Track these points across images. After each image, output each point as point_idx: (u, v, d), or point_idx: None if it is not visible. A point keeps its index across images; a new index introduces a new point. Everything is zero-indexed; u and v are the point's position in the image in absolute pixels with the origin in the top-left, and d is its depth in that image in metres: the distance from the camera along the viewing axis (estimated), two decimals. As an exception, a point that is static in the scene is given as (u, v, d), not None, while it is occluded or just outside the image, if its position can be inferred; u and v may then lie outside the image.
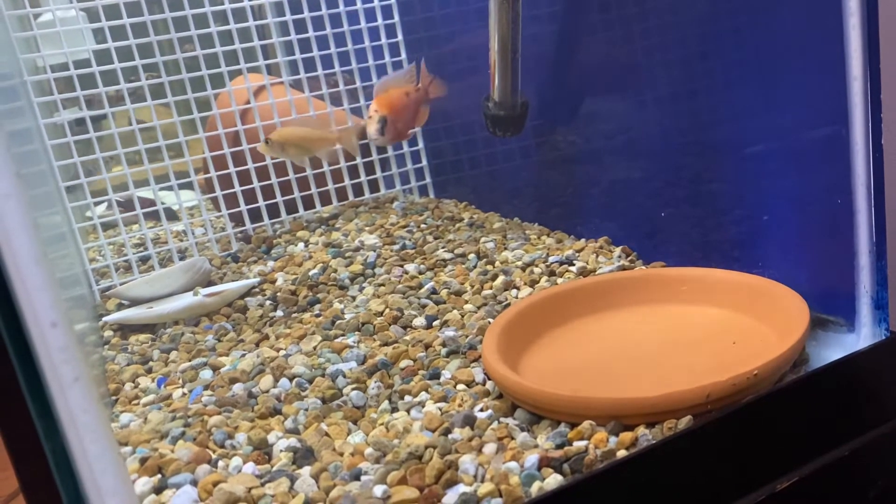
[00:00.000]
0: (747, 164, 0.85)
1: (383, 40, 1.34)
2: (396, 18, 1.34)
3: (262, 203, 1.29)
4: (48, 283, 0.45)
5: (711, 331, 0.78)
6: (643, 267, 0.95)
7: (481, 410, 0.70)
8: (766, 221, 0.84)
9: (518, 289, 0.94)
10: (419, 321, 0.91)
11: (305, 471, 0.65)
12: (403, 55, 1.35)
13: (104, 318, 1.04)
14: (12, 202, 0.43)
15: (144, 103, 1.24)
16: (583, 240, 1.06)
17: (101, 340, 1.02)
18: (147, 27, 1.20)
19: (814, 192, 0.78)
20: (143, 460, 0.67)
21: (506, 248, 1.06)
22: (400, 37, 1.34)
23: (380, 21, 1.33)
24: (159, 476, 0.65)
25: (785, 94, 0.79)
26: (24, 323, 0.45)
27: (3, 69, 0.97)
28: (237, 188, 1.26)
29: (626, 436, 0.64)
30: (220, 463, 0.67)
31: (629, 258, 0.98)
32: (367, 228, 1.25)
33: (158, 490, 0.64)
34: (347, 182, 1.35)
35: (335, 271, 1.10)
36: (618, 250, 0.99)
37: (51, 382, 0.46)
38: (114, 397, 0.85)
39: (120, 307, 1.11)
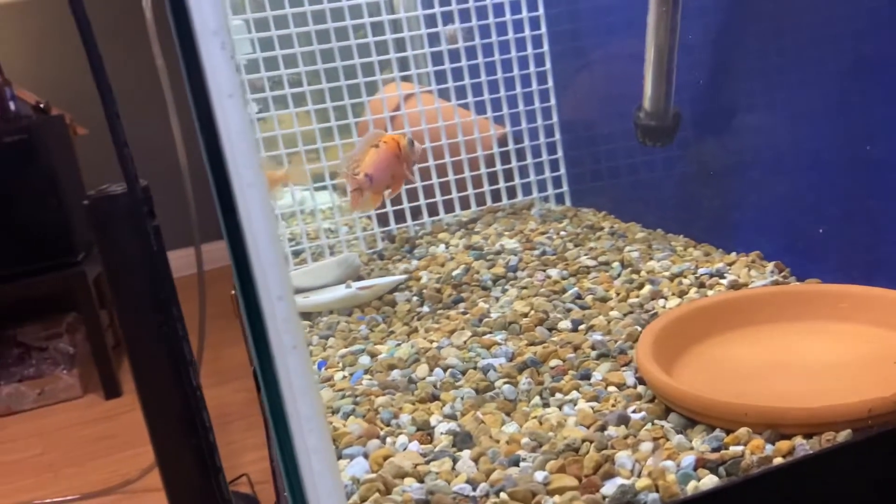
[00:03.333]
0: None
1: (529, 50, 1.38)
2: (544, 30, 1.37)
3: (406, 205, 1.35)
4: (278, 261, 0.51)
5: (872, 349, 0.77)
6: (798, 283, 0.95)
7: (634, 412, 0.73)
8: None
9: (666, 299, 0.95)
10: (565, 324, 0.94)
11: (465, 454, 0.70)
12: (548, 65, 1.38)
13: (266, 304, 1.13)
14: (255, 190, 0.49)
15: (304, 108, 1.33)
16: (733, 254, 1.06)
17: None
18: (311, 36, 1.29)
19: None
20: (319, 432, 0.73)
21: (651, 258, 1.08)
22: (546, 47, 1.38)
23: (527, 32, 1.37)
24: (334, 447, 0.71)
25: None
26: (257, 294, 0.51)
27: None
28: (385, 190, 1.33)
29: (784, 444, 0.65)
30: (388, 439, 0.72)
31: (782, 274, 0.97)
32: (506, 233, 1.29)
33: (334, 459, 0.70)
34: (486, 188, 1.40)
35: (478, 272, 1.14)
36: (770, 265, 0.99)
37: (275, 347, 0.52)
38: (281, 376, 0.93)
39: (278, 295, 1.19)
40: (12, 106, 2.76)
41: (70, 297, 2.78)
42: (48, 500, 1.81)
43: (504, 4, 1.35)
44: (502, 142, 1.40)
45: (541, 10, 1.36)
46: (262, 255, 0.50)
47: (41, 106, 2.78)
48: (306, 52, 1.30)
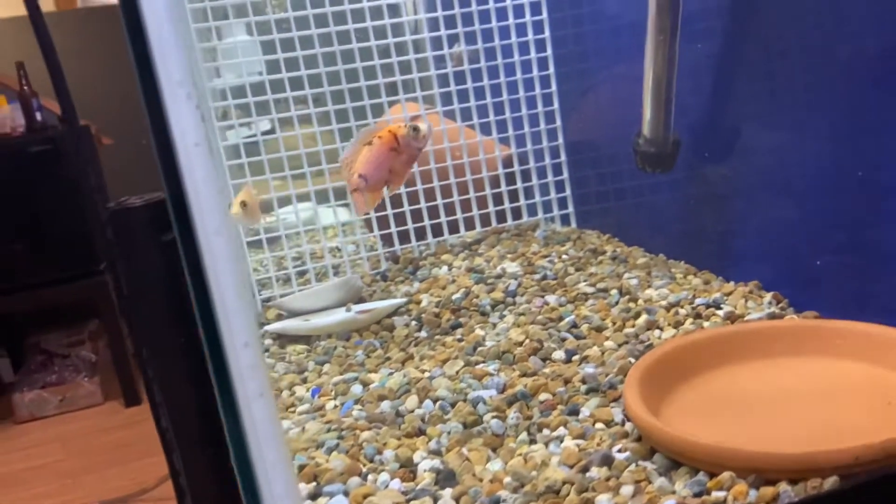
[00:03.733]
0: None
1: (535, 72, 1.37)
2: (549, 52, 1.37)
3: (410, 225, 1.35)
4: (244, 308, 0.51)
5: (866, 389, 0.75)
6: (794, 316, 0.93)
7: (619, 451, 0.72)
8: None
9: (661, 329, 0.94)
10: (559, 354, 0.93)
11: (447, 492, 0.69)
12: (554, 87, 1.38)
13: (265, 328, 1.14)
14: (222, 239, 0.49)
15: (311, 129, 1.33)
16: (732, 283, 1.04)
17: (261, 348, 1.12)
18: (317, 59, 1.30)
19: None
20: (301, 467, 0.73)
21: (650, 286, 1.07)
22: (552, 69, 1.37)
23: (532, 53, 1.36)
24: (315, 483, 0.71)
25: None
26: (221, 341, 0.51)
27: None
28: (389, 210, 1.34)
29: (768, 490, 0.63)
30: (370, 476, 0.72)
31: (780, 305, 0.95)
32: (508, 256, 1.28)
33: (314, 496, 0.70)
34: (491, 209, 1.39)
35: (477, 297, 1.14)
36: (768, 296, 0.97)
37: (239, 394, 0.52)
38: (274, 403, 0.93)
39: (279, 317, 1.20)
40: (39, 116, 2.82)
41: (92, 305, 2.83)
42: (66, 508, 1.83)
43: (510, 27, 1.35)
44: (507, 163, 1.40)
45: (546, 33, 1.36)
46: (227, 303, 0.51)
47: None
48: (312, 75, 1.30)
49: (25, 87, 2.75)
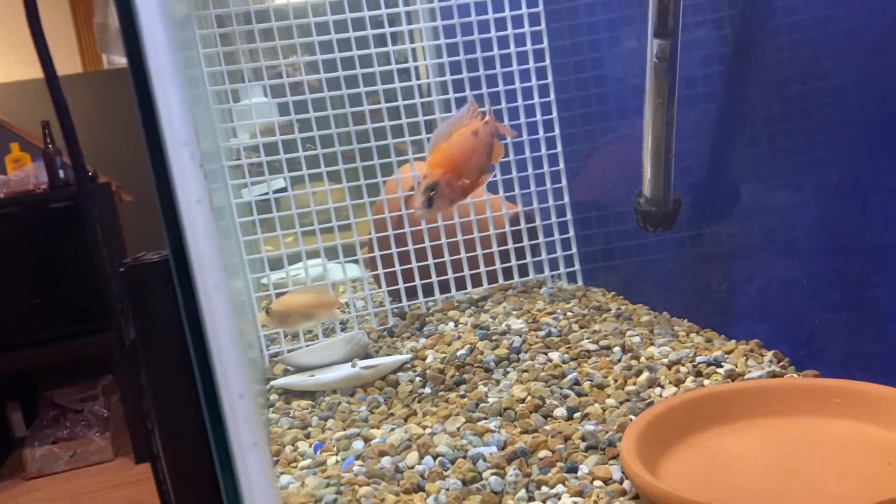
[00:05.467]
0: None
1: (541, 134, 1.40)
2: (555, 114, 1.40)
3: (418, 282, 1.37)
4: (240, 360, 0.52)
5: (864, 449, 0.74)
6: (794, 375, 0.93)
7: (617, 509, 0.71)
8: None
9: (662, 387, 0.94)
10: (560, 411, 0.93)
11: (443, 549, 0.69)
12: (559, 147, 1.41)
13: (272, 383, 1.15)
14: (220, 292, 0.51)
15: (322, 187, 1.37)
16: (733, 341, 1.04)
17: (267, 403, 1.12)
18: (329, 120, 1.34)
19: None
20: (298, 521, 0.73)
21: (652, 344, 1.07)
22: (557, 131, 1.40)
23: (538, 116, 1.40)
24: (309, 539, 0.71)
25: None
26: (217, 392, 0.52)
27: (211, 155, 1.12)
28: (397, 267, 1.36)
29: (766, 553, 0.63)
30: (366, 532, 0.72)
31: (780, 364, 0.95)
32: (514, 312, 1.29)
33: (310, 551, 0.70)
34: (498, 265, 1.41)
35: (482, 353, 1.15)
36: (769, 354, 0.97)
37: (234, 445, 0.53)
38: (275, 458, 0.94)
39: (286, 372, 1.21)
40: (62, 174, 2.89)
41: (106, 360, 2.85)
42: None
43: (516, 90, 1.39)
44: (514, 221, 1.42)
45: (552, 96, 1.39)
46: (223, 355, 0.52)
47: (89, 173, 2.91)
48: (324, 135, 1.34)
49: (50, 146, 2.83)
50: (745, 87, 1.06)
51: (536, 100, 1.40)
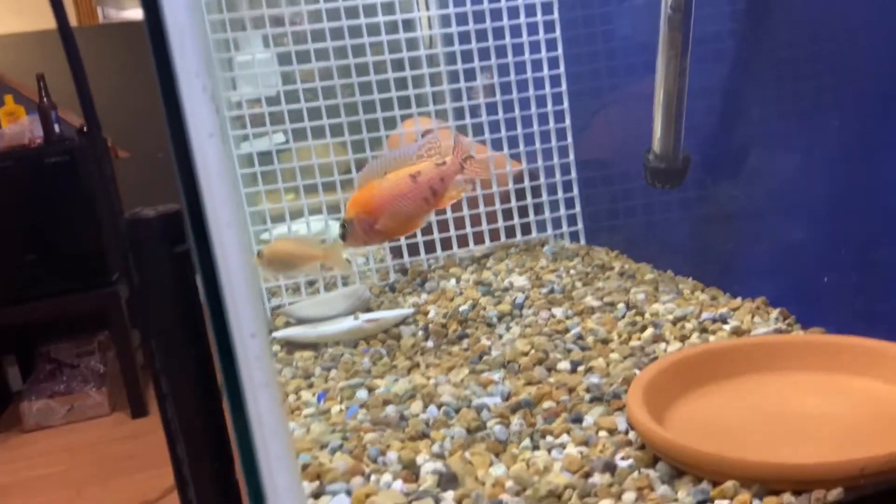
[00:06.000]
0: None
1: (547, 90, 1.38)
2: (562, 69, 1.38)
3: (419, 238, 1.36)
4: (252, 298, 0.52)
5: (871, 404, 0.74)
6: (801, 332, 0.93)
7: (622, 459, 0.72)
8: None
9: (667, 343, 0.94)
10: (563, 365, 0.93)
11: (449, 495, 0.69)
12: (566, 104, 1.39)
13: (274, 334, 1.14)
14: (233, 230, 0.50)
15: (322, 140, 1.35)
16: (739, 298, 1.04)
17: (269, 340, 1.12)
18: (332, 71, 1.32)
19: None
20: (304, 466, 0.73)
21: (657, 301, 1.07)
22: (564, 87, 1.39)
23: (545, 71, 1.38)
24: (318, 482, 0.72)
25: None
26: (229, 331, 0.52)
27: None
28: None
29: (771, 501, 0.63)
30: (373, 477, 0.72)
31: (787, 321, 0.95)
32: (516, 270, 1.29)
33: (317, 495, 0.70)
34: (501, 223, 1.40)
35: (484, 309, 1.14)
36: (775, 312, 0.97)
37: (245, 385, 0.52)
38: (279, 406, 0.93)
39: (287, 325, 1.21)
40: (57, 128, 2.86)
41: (103, 316, 2.85)
42: (67, 518, 1.84)
43: (523, 45, 1.37)
44: (518, 179, 1.41)
45: (559, 51, 1.37)
46: (236, 293, 0.51)
47: (85, 129, 2.88)
48: (327, 87, 1.32)
49: (45, 99, 2.79)
50: (756, 45, 1.04)
51: (544, 54, 1.37)
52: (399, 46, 1.34)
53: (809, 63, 0.95)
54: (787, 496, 0.63)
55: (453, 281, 1.29)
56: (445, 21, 1.40)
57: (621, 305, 1.07)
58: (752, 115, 1.06)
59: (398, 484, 0.71)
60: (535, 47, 1.37)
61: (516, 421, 0.81)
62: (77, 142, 2.76)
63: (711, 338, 0.93)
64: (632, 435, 0.76)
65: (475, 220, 1.38)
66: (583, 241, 1.42)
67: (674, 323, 0.98)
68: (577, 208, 1.42)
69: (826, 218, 0.96)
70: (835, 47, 0.92)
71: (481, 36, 1.36)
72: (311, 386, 0.99)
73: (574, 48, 1.37)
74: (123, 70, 3.21)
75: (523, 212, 1.41)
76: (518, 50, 1.37)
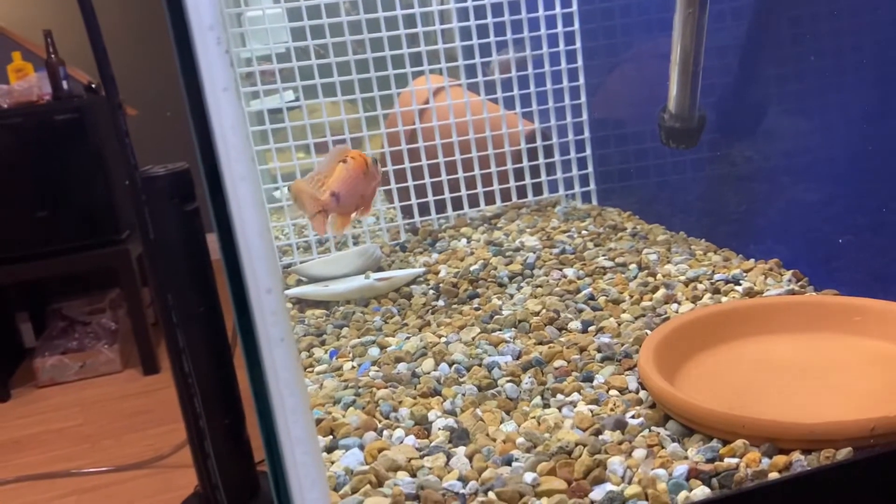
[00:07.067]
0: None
1: (561, 47, 1.36)
2: (577, 26, 1.36)
3: (430, 198, 1.36)
4: (267, 254, 0.52)
5: (883, 365, 0.75)
6: (814, 293, 0.93)
7: (633, 417, 0.72)
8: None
9: (679, 303, 0.94)
10: (575, 325, 0.93)
11: (460, 450, 0.70)
12: (580, 62, 1.37)
13: (285, 292, 1.15)
14: (247, 184, 0.50)
15: (333, 98, 1.34)
16: (752, 260, 1.04)
17: (284, 295, 1.13)
18: (343, 26, 1.30)
19: None
20: (318, 421, 0.74)
21: (669, 262, 1.06)
22: (578, 44, 1.37)
23: (559, 28, 1.36)
24: (331, 437, 0.72)
25: None
26: (245, 286, 0.52)
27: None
28: (410, 182, 1.34)
29: (780, 459, 0.63)
30: (385, 432, 0.73)
31: (799, 283, 0.95)
32: (528, 230, 1.28)
33: (330, 449, 0.71)
34: (512, 183, 1.39)
35: (495, 268, 1.14)
36: (788, 274, 0.97)
37: (261, 339, 0.53)
38: (291, 363, 0.94)
39: (299, 283, 1.21)
40: (65, 85, 2.84)
41: (114, 273, 2.86)
42: (84, 470, 1.89)
43: (537, 1, 1.34)
44: (530, 138, 1.39)
45: (574, 7, 1.35)
46: (251, 248, 0.51)
47: (93, 86, 2.86)
48: (338, 43, 1.31)
49: (52, 56, 2.77)
50: (775, 3, 1.02)
51: (558, 10, 1.35)
52: (411, 2, 1.32)
53: (829, 22, 0.93)
54: (796, 455, 0.64)
55: (464, 241, 1.29)
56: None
57: (633, 266, 1.06)
58: (770, 74, 1.05)
59: (410, 439, 0.72)
60: (549, 3, 1.35)
61: (527, 379, 0.81)
62: (86, 98, 2.74)
63: (724, 299, 0.93)
64: (642, 394, 0.76)
65: (486, 180, 1.38)
66: (595, 202, 1.41)
67: (686, 284, 0.98)
68: (590, 169, 1.41)
69: (842, 179, 0.95)
70: (855, 5, 0.90)
71: (495, -8, 1.34)
72: (323, 343, 1.00)
73: (589, 4, 1.35)
74: (131, 29, 3.18)
75: (535, 172, 1.40)
76: (532, 6, 1.35)
